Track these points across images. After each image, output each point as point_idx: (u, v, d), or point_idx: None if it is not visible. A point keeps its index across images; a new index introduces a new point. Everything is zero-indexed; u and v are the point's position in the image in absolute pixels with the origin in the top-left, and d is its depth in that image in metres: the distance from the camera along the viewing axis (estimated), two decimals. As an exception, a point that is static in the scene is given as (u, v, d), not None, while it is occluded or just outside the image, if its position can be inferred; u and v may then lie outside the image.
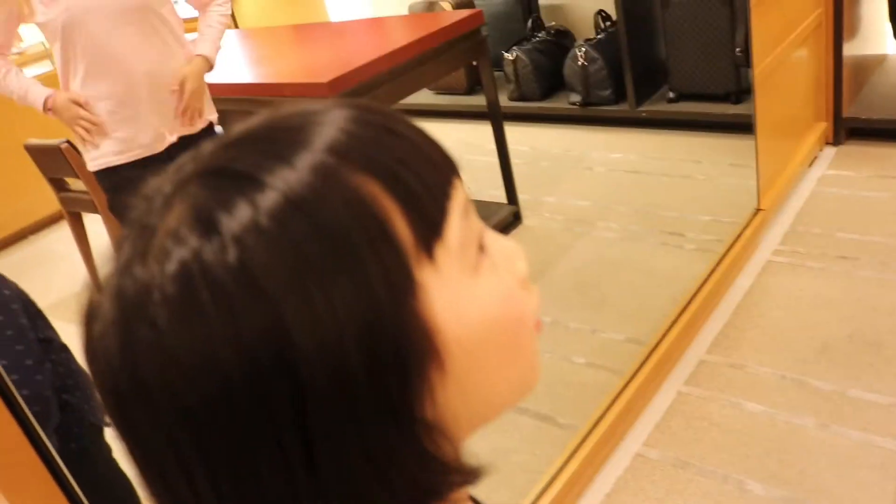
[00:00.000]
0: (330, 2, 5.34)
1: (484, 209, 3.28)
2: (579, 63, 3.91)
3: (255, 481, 0.37)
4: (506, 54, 4.20)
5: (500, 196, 3.28)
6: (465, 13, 3.02)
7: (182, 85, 2.25)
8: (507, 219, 3.25)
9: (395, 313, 0.37)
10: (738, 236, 2.72)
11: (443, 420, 0.40)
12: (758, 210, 2.82)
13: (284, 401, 0.35)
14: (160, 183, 0.39)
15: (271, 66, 3.10)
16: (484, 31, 3.02)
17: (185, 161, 0.40)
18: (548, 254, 3.02)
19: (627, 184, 3.45)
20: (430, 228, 0.39)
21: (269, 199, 0.36)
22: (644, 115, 3.80)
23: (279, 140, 0.38)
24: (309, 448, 0.36)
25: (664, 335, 2.32)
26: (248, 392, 0.35)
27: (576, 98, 4.01)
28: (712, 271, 2.57)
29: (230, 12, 2.44)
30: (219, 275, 0.35)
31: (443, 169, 0.41)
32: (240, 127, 0.41)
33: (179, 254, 0.35)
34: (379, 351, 0.36)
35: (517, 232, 3.24)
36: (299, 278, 0.35)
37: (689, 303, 2.44)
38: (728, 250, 2.66)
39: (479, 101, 3.78)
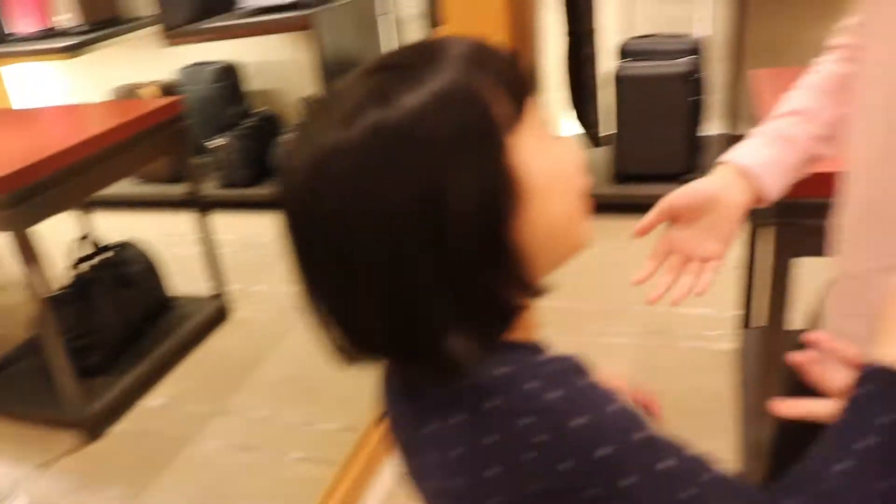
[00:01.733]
0: (12, 87, 4.91)
1: (189, 305, 3.13)
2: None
3: (399, 281, 0.59)
4: (212, 141, 4.12)
5: (208, 289, 3.16)
6: (160, 102, 2.92)
7: None
8: (213, 314, 3.11)
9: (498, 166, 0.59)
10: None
11: (527, 248, 0.61)
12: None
13: (429, 228, 0.57)
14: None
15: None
16: (186, 119, 2.93)
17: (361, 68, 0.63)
18: (259, 347, 2.94)
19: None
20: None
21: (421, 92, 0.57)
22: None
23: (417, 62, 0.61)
24: (443, 261, 0.58)
25: (380, 418, 2.32)
26: (406, 218, 0.57)
27: (285, 184, 4.00)
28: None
29: None
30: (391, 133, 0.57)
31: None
32: (388, 56, 0.63)
33: (363, 120, 0.58)
34: (491, 191, 0.58)
35: (227, 326, 3.12)
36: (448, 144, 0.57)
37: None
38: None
39: (184, 188, 3.65)
